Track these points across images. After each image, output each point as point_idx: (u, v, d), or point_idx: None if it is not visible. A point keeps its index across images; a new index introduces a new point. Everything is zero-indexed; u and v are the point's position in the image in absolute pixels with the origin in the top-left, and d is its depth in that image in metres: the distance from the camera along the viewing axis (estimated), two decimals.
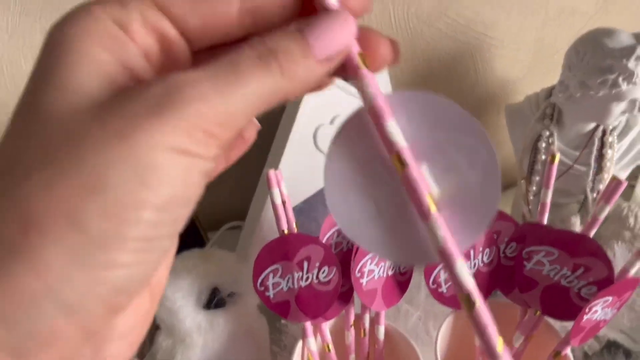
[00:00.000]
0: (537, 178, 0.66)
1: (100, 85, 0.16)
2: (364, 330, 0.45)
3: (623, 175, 0.64)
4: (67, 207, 0.14)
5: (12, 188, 0.15)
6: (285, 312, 0.42)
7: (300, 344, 0.44)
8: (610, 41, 0.53)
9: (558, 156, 0.43)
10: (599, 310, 0.40)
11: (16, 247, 0.14)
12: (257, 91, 0.16)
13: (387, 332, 0.46)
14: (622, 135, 0.62)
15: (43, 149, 0.15)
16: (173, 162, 0.15)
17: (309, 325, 0.43)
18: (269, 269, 0.40)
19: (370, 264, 0.42)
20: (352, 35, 0.18)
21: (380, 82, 0.67)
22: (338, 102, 0.55)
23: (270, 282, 0.41)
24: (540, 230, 0.43)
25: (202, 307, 0.47)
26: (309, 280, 0.41)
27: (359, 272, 0.42)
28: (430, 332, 0.54)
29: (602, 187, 0.63)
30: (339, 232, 0.43)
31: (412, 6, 0.63)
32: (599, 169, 0.63)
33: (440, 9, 0.64)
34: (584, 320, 0.40)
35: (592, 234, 0.41)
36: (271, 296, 0.41)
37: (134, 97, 0.15)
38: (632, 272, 0.40)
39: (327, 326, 0.44)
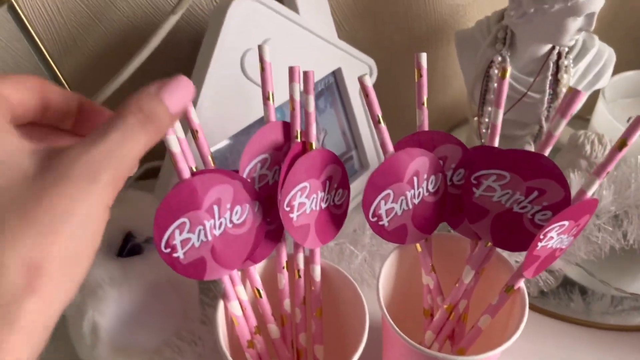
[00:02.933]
0: (490, 108, 0.61)
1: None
2: (299, 271, 0.40)
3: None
4: None
5: None
6: (201, 272, 0.35)
7: (221, 305, 0.38)
8: None
9: (510, 70, 0.38)
10: (554, 236, 0.36)
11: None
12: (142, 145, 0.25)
13: (324, 272, 0.41)
14: (578, 58, 0.58)
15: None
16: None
17: (227, 282, 0.37)
18: (173, 226, 0.32)
19: (301, 196, 0.37)
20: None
21: (321, 10, 0.59)
22: (268, 22, 0.49)
23: (177, 240, 0.33)
24: (490, 152, 0.38)
25: (114, 254, 0.41)
26: (222, 226, 0.35)
27: (287, 205, 0.36)
28: (377, 273, 0.50)
29: None
30: (262, 163, 0.38)
31: None
32: (554, 95, 0.59)
33: None
34: (538, 248, 0.36)
35: (547, 152, 0.36)
36: (181, 257, 0.33)
37: (68, 169, 0.22)
38: (590, 193, 0.36)
39: (256, 270, 0.39)
